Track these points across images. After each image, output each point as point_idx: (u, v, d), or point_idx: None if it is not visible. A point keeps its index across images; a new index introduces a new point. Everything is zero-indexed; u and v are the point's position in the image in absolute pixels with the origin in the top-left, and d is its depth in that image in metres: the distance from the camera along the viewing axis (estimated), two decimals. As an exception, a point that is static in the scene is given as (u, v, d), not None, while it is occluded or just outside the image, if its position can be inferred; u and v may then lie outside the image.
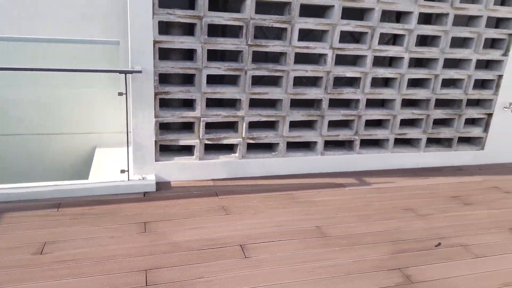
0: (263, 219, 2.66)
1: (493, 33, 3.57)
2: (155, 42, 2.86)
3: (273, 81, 3.34)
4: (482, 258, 2.36)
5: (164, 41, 2.88)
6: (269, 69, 3.14)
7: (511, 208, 3.05)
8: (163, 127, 3.20)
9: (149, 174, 3.10)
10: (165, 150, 3.29)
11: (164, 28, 2.98)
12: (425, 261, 2.29)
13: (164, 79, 3.10)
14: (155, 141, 3.08)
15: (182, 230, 2.47)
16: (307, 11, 3.22)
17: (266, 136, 3.31)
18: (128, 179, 2.99)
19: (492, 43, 3.74)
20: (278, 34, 3.23)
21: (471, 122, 3.98)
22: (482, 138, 3.93)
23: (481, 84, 3.86)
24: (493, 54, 3.64)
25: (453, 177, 3.62)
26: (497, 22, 3.67)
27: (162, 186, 3.06)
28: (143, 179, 3.01)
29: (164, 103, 3.16)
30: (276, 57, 3.30)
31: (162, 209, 2.72)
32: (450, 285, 2.09)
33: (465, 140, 4.02)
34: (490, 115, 3.85)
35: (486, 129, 3.90)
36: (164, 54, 3.03)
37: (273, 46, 3.09)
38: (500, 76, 3.73)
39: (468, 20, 3.60)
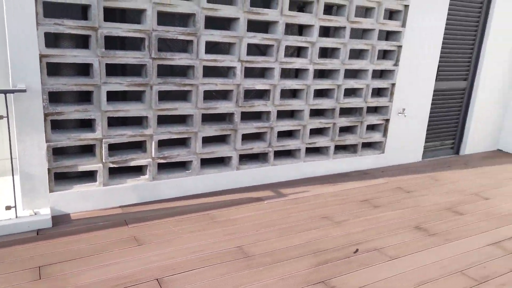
0: (181, 245, 2.46)
1: (385, 45, 3.87)
2: (41, 56, 2.49)
3: (182, 95, 3.17)
4: (396, 259, 2.47)
5: (53, 55, 2.53)
6: (176, 83, 2.96)
7: (414, 206, 3.30)
8: (58, 152, 2.81)
9: (43, 207, 2.68)
10: (61, 178, 2.89)
11: (53, 40, 2.63)
12: (347, 270, 2.31)
13: (55, 98, 2.73)
14: (48, 169, 2.68)
15: (87, 270, 2.15)
16: (213, 23, 3.12)
17: (178, 154, 3.11)
18: (16, 216, 2.54)
19: (384, 54, 4.06)
20: (184, 46, 3.08)
21: (371, 128, 4.26)
22: (382, 142, 4.23)
23: (377, 92, 4.15)
24: (386, 65, 3.95)
25: (360, 181, 3.81)
26: (387, 35, 3.99)
27: (60, 220, 2.66)
28: (35, 214, 2.59)
29: (58, 125, 2.78)
30: (183, 71, 3.14)
31: (61, 247, 2.35)
32: (371, 290, 2.14)
33: (368, 145, 4.29)
34: (387, 120, 4.16)
35: (385, 134, 4.20)
36: (54, 69, 2.67)
37: (179, 59, 2.93)
38: (393, 85, 4.07)
39: (362, 33, 3.85)
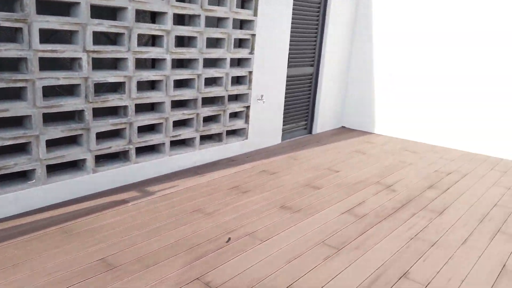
0: (30, 271, 2.09)
1: (240, 34, 3.95)
2: None
3: (15, 94, 2.67)
4: (267, 241, 2.56)
5: None
6: (5, 79, 2.47)
7: (279, 187, 3.49)
8: None
9: None
10: None
11: None
12: (221, 261, 2.30)
13: None
14: None
15: None
16: (48, 8, 2.70)
17: (15, 164, 2.63)
18: None
19: (240, 43, 4.15)
20: (11, 35, 2.59)
21: (234, 115, 4.34)
22: (245, 128, 4.35)
23: (237, 80, 4.24)
24: (243, 53, 4.05)
25: (228, 168, 3.86)
26: (241, 24, 4.08)
27: None
28: None
29: None
30: (13, 64, 2.64)
31: None
32: (247, 278, 2.17)
33: (232, 133, 4.37)
34: (248, 107, 4.30)
35: (247, 120, 4.33)
36: None
37: (6, 50, 2.44)
38: (250, 72, 4.20)
39: (217, 22, 3.85)
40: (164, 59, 3.36)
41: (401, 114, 5.45)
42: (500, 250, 2.62)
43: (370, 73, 5.63)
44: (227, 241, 2.52)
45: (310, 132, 5.49)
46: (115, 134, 3.28)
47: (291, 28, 4.64)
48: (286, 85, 4.83)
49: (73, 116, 2.99)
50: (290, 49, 4.72)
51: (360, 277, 2.24)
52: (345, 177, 3.86)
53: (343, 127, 5.99)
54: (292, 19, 4.62)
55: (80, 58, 2.81)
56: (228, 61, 3.89)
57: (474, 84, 4.86)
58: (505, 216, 3.15)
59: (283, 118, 4.92)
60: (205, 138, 4.08)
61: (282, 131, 4.97)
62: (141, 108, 3.44)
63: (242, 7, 4.03)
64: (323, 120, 5.57)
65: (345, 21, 5.45)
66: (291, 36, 4.68)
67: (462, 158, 4.69)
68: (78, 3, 2.72)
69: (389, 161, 4.42)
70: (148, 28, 3.16)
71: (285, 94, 4.85)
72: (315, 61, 5.22)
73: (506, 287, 2.23)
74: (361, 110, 5.80)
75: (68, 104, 2.81)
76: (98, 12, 2.97)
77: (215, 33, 3.70)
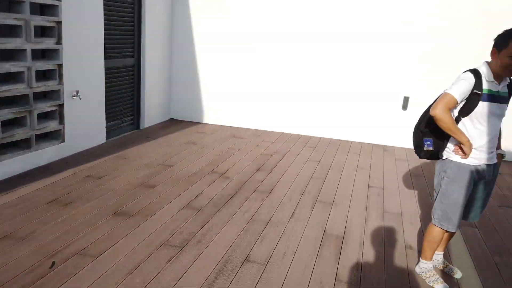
0: None
1: (41, 21, 3.36)
2: None
3: None
4: (101, 256, 2.29)
5: None
6: None
7: (109, 192, 3.16)
8: None
9: None
10: None
11: None
12: (46, 293, 1.94)
13: None
14: None
15: None
16: None
17: None
18: None
19: (43, 32, 3.54)
20: None
21: (44, 116, 3.71)
22: (60, 130, 3.78)
23: (43, 75, 3.62)
24: (47, 43, 3.47)
25: (43, 179, 3.30)
26: (43, 9, 3.48)
27: None
28: None
29: None
30: None
31: None
32: (80, 304, 1.89)
33: (44, 136, 3.73)
34: (61, 105, 3.73)
35: (61, 121, 3.77)
36: None
37: None
38: (60, 65, 3.64)
39: (9, 5, 3.18)
40: None
41: (226, 102, 5.70)
42: (320, 218, 3.02)
43: (193, 64, 5.67)
44: (51, 267, 2.14)
45: (137, 127, 5.20)
46: None
47: (105, 16, 4.23)
48: (106, 78, 4.42)
49: None
50: (105, 39, 4.31)
51: (206, 270, 2.23)
52: (180, 170, 3.80)
53: (171, 119, 5.90)
54: (104, 5, 4.21)
55: None
56: (29, 52, 3.27)
57: (282, 74, 5.44)
58: (319, 187, 3.65)
59: (106, 114, 4.50)
60: (7, 146, 3.36)
61: (106, 129, 4.55)
62: None
63: (41, -12, 3.44)
64: (151, 114, 5.36)
65: (163, 10, 5.30)
66: (105, 25, 4.27)
67: (280, 139, 5.23)
68: None
69: (219, 149, 4.57)
70: None
71: (105, 88, 4.43)
72: (136, 51, 4.93)
73: (328, 249, 2.58)
74: (188, 101, 5.81)
75: None
76: None
77: (7, 19, 3.04)
